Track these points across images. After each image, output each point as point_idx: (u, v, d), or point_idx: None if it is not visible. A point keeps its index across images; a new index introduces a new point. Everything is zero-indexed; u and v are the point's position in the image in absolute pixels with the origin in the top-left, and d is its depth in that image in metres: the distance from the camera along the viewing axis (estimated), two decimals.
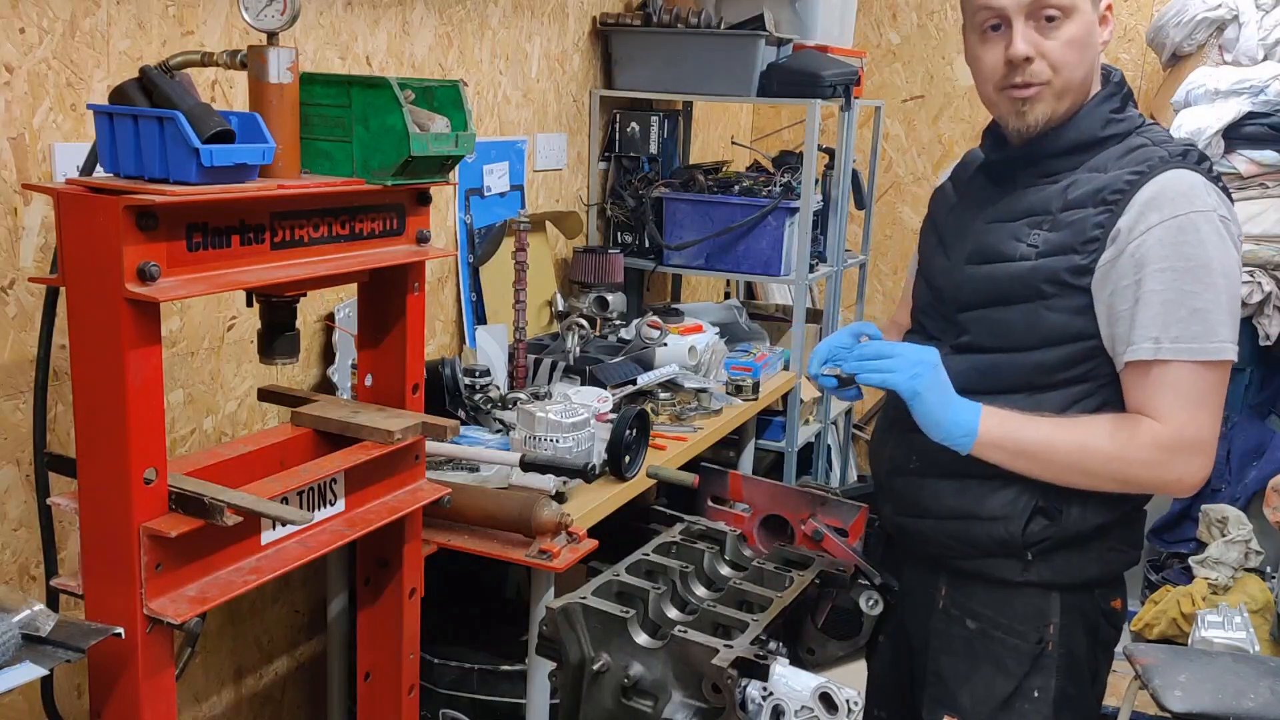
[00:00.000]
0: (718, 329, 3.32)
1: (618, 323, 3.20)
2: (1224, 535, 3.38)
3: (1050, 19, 1.53)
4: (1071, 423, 1.55)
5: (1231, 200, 1.55)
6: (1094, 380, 1.57)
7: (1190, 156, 1.53)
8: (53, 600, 1.60)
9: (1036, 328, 1.56)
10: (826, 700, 1.41)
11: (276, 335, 1.70)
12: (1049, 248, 1.54)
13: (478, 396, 2.53)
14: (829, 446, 4.12)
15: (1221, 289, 1.47)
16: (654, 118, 3.56)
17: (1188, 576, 3.43)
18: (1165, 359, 1.47)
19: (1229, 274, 1.48)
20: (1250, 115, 3.53)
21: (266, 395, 1.94)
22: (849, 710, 1.40)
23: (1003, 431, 1.54)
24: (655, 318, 3.15)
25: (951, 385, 1.57)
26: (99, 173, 1.48)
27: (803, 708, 1.41)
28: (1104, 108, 1.58)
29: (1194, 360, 1.47)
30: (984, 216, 1.65)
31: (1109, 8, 1.56)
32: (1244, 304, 3.54)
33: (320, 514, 1.67)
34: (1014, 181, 1.63)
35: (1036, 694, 1.63)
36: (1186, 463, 1.50)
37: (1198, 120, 3.56)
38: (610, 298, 3.21)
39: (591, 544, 2.05)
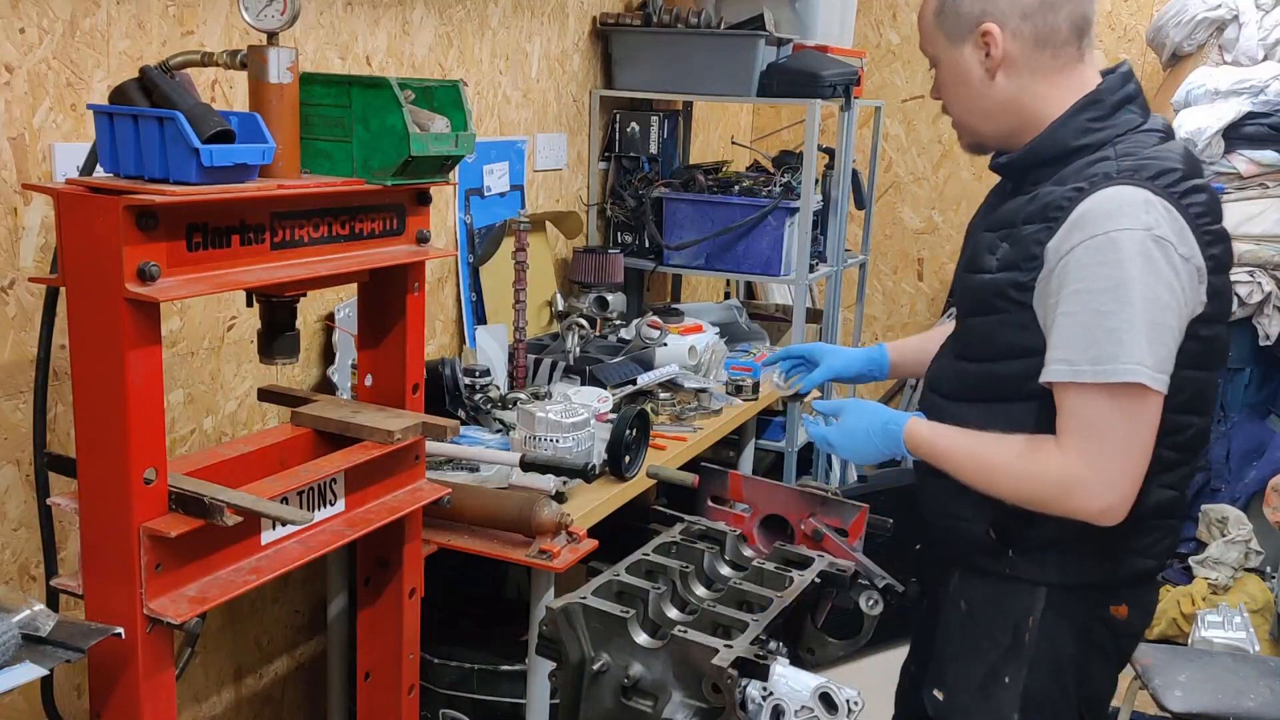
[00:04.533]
0: (718, 329, 3.32)
1: (618, 323, 3.20)
2: (1224, 535, 3.38)
3: (932, 68, 1.68)
4: (991, 441, 1.57)
5: (1201, 219, 1.47)
6: (1048, 400, 1.52)
7: (1144, 172, 1.46)
8: (53, 600, 1.60)
9: (996, 340, 1.57)
10: (826, 700, 1.41)
11: (276, 335, 1.70)
12: (1004, 262, 1.54)
13: (478, 396, 2.53)
14: None
15: (1139, 310, 1.40)
16: (654, 118, 3.56)
17: (1188, 576, 3.43)
18: (1077, 382, 1.44)
19: (1151, 294, 1.41)
20: (1250, 115, 3.53)
21: (266, 395, 1.94)
22: (849, 710, 1.40)
23: (928, 443, 1.64)
24: (655, 318, 3.15)
25: (876, 419, 1.68)
26: (99, 173, 1.48)
27: (803, 708, 1.41)
28: (1080, 118, 1.55)
29: (1101, 383, 1.42)
30: (984, 224, 1.66)
31: (985, 33, 1.55)
32: (1244, 304, 3.54)
33: (320, 514, 1.67)
34: (1016, 189, 1.63)
35: (1007, 680, 1.64)
36: (1084, 497, 1.46)
37: (1198, 120, 3.56)
38: (610, 298, 3.21)
39: (591, 544, 2.05)
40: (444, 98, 1.71)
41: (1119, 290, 1.40)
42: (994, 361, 1.59)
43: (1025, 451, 1.51)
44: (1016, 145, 1.60)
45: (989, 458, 1.56)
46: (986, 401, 1.61)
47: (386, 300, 1.80)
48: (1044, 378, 1.48)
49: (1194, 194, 1.47)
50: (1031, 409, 1.54)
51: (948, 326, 1.88)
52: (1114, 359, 1.41)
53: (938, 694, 1.73)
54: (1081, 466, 1.45)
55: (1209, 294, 1.50)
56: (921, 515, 1.77)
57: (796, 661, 1.62)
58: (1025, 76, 1.55)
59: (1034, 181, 1.56)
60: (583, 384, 2.73)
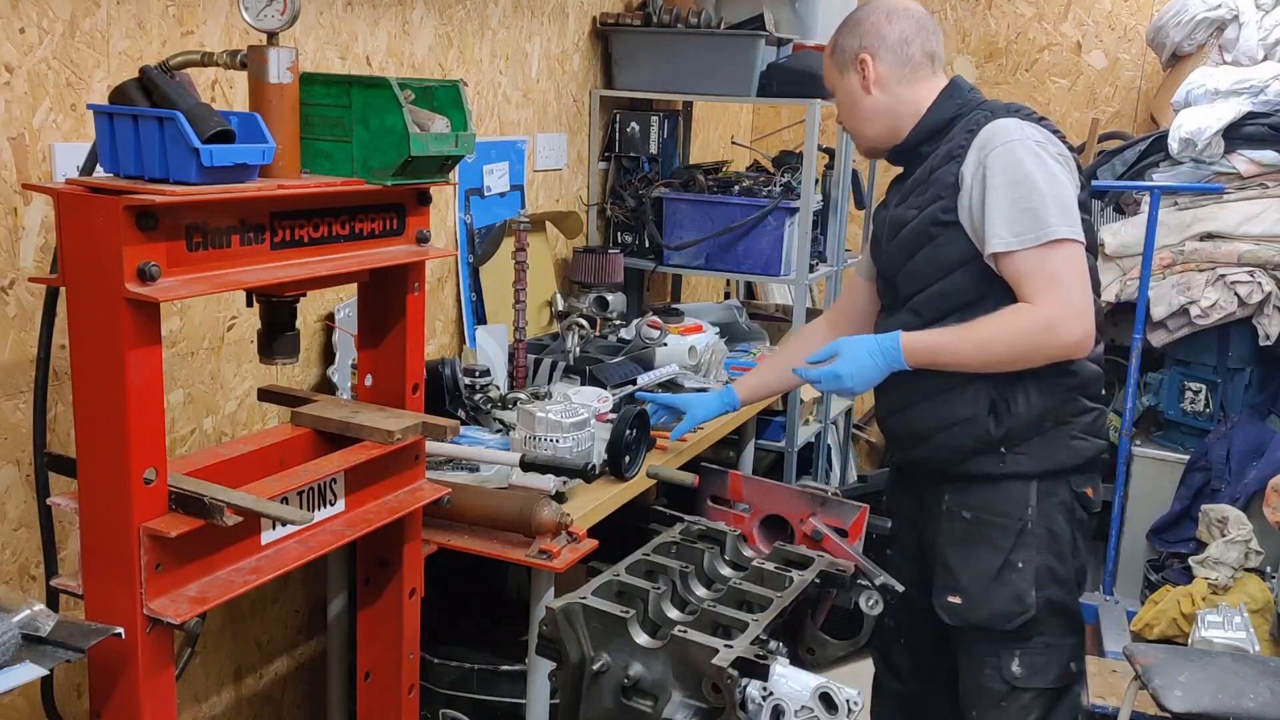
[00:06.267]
0: (718, 329, 3.32)
1: (618, 323, 3.20)
2: (1224, 535, 3.37)
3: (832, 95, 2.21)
4: (973, 323, 1.93)
5: (1055, 133, 2.01)
6: (996, 297, 1.93)
7: (1008, 109, 2.01)
8: (53, 600, 1.60)
9: (936, 262, 1.99)
10: (826, 700, 1.41)
11: (276, 335, 1.70)
12: (925, 203, 2.01)
13: (478, 396, 2.53)
14: (829, 446, 4.12)
15: (1044, 191, 1.88)
16: (654, 118, 3.56)
17: (1188, 576, 3.42)
18: (1015, 249, 1.88)
19: (1049, 178, 1.90)
20: (1250, 115, 3.52)
21: (266, 395, 1.94)
22: (849, 710, 1.40)
23: (923, 344, 1.96)
24: (655, 318, 3.15)
25: (871, 342, 1.99)
26: (99, 173, 1.48)
27: (803, 708, 1.42)
28: (949, 100, 2.06)
29: (1036, 245, 1.87)
30: (892, 205, 2.11)
31: (861, 61, 2.07)
32: (1244, 304, 3.54)
33: (320, 514, 1.67)
34: (908, 171, 2.11)
35: (1020, 565, 2.00)
36: (1064, 330, 1.87)
37: (1198, 120, 3.55)
38: (610, 298, 3.21)
39: (591, 544, 2.05)
40: (444, 98, 1.71)
41: (1024, 181, 1.88)
42: (941, 280, 1.99)
43: (1005, 316, 1.90)
44: (897, 141, 2.10)
45: (979, 332, 1.92)
46: (944, 318, 1.98)
47: (386, 300, 1.80)
48: (990, 250, 1.89)
49: (1043, 121, 2.02)
50: (982, 309, 1.93)
51: (789, 344, 2.52)
52: (1037, 227, 1.86)
53: (953, 599, 2.03)
54: (1054, 306, 1.86)
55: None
56: (913, 452, 2.10)
57: (796, 661, 1.62)
58: (892, 88, 2.08)
59: (926, 153, 2.05)
60: (583, 384, 2.73)
